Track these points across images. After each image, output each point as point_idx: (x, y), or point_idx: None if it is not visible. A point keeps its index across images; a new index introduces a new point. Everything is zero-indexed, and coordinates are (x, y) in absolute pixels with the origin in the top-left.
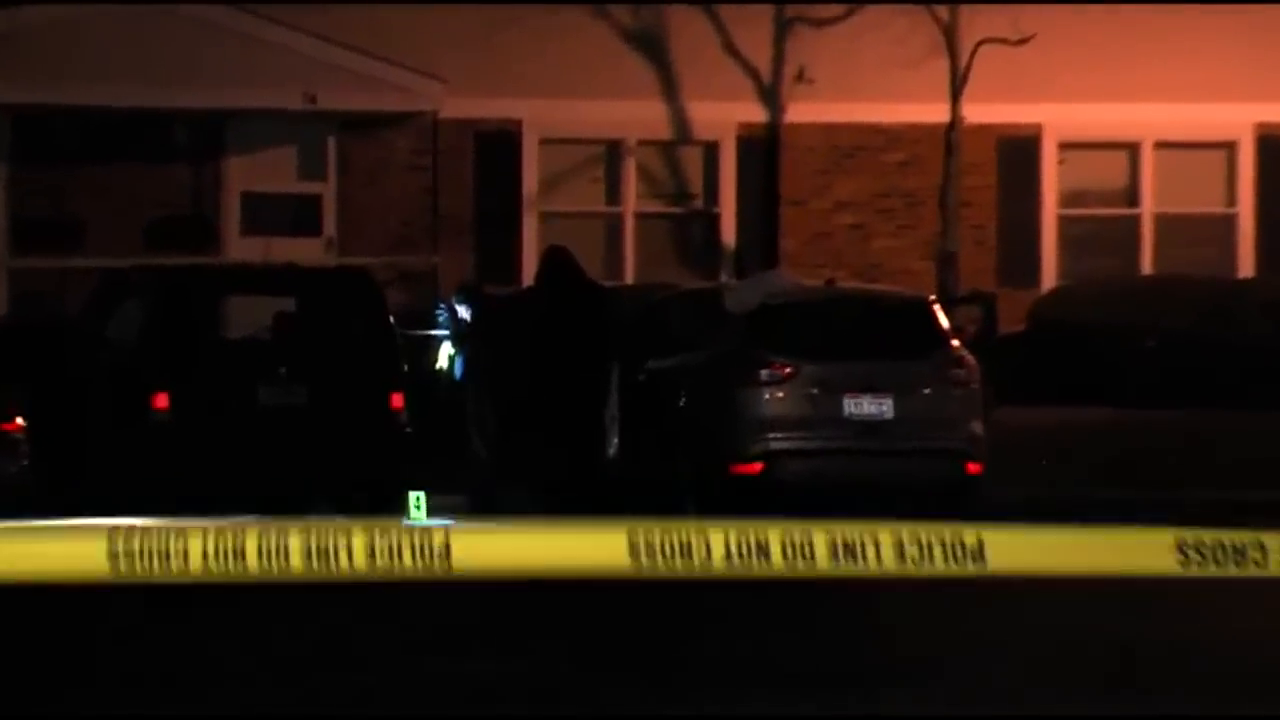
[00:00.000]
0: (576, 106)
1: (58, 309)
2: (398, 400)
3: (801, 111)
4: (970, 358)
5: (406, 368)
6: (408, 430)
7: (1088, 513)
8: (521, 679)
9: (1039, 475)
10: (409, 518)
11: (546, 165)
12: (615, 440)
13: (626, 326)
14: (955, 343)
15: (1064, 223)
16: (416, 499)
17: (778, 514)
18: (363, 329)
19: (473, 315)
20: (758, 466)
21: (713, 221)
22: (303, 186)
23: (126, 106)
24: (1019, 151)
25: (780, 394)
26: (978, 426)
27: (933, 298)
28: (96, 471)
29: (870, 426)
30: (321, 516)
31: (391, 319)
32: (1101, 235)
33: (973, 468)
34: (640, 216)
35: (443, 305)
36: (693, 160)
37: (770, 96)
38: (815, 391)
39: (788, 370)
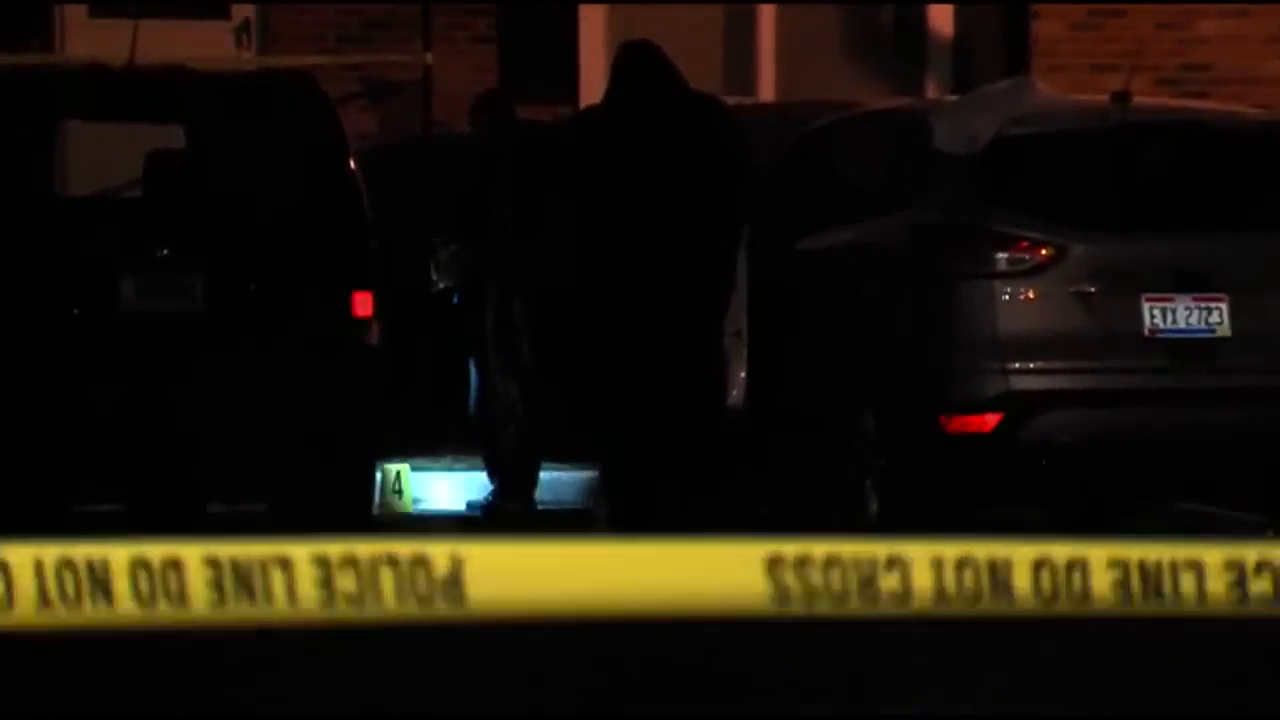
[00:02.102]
0: None
1: None
2: (364, 304)
3: None
4: None
5: (378, 247)
6: (381, 355)
7: None
8: None
9: None
10: (382, 506)
11: None
12: (742, 375)
13: (761, 178)
14: None
15: None
16: (395, 476)
17: (1024, 499)
18: (302, 179)
19: (493, 155)
20: (991, 420)
21: None
22: None
23: None
24: None
25: (1030, 294)
26: None
27: None
28: None
29: (1191, 350)
30: (235, 505)
31: (353, 163)
32: None
33: None
34: None
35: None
36: None
37: None
38: (1093, 290)
39: (1044, 252)
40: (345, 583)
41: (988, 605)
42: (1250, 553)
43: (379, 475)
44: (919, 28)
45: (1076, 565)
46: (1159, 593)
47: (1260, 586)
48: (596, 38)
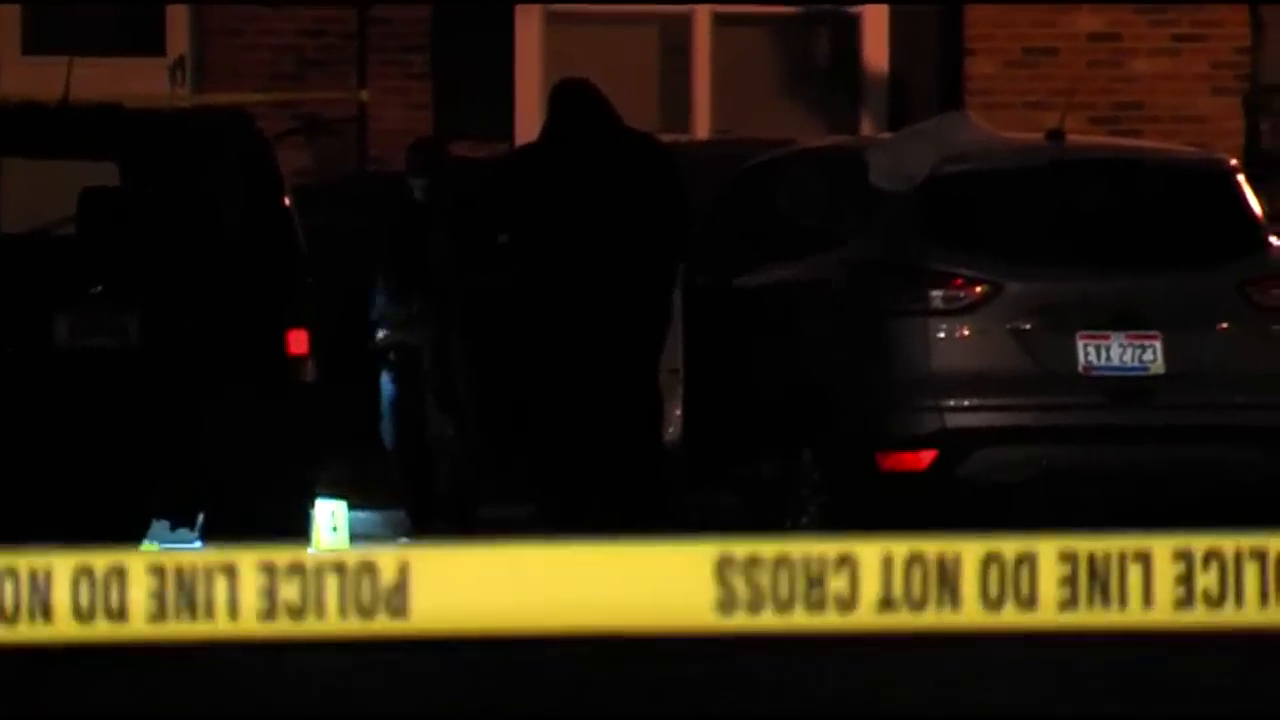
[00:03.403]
0: None
1: None
2: (299, 341)
3: None
4: None
5: (314, 282)
6: (315, 393)
7: None
8: None
9: None
10: (318, 544)
11: None
12: (678, 413)
13: (697, 216)
14: (1276, 241)
15: None
16: (331, 514)
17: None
18: (238, 216)
19: (432, 195)
20: (925, 457)
21: (849, 29)
22: None
23: None
24: None
25: (965, 331)
26: None
27: (1235, 162)
28: None
29: (1125, 388)
30: (167, 541)
31: (288, 199)
32: None
33: None
34: (721, 21)
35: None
36: None
37: None
38: (1028, 327)
39: (978, 289)
40: (289, 592)
41: (933, 611)
42: (1198, 543)
43: (315, 513)
44: (855, 63)
45: (1025, 560)
46: (1105, 589)
47: (1207, 581)
48: (532, 75)
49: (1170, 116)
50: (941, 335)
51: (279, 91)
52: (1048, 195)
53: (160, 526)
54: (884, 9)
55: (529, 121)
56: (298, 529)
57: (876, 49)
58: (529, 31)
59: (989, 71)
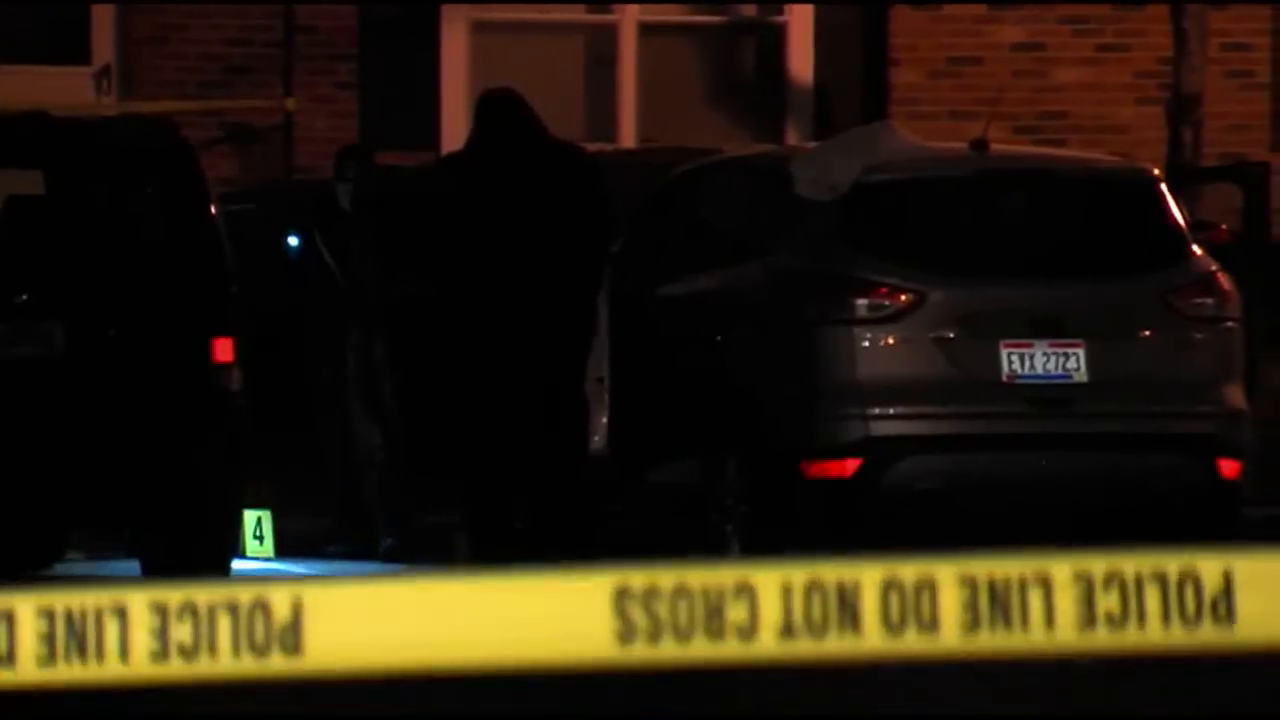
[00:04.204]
0: None
1: None
2: (225, 349)
3: None
4: (1224, 276)
5: (238, 291)
6: (241, 401)
7: None
8: None
9: None
10: (244, 552)
11: None
12: (604, 421)
13: (622, 225)
14: (1198, 250)
15: None
16: (256, 523)
17: (883, 545)
18: (164, 224)
19: (358, 204)
20: (850, 465)
21: (774, 39)
22: None
23: None
24: None
25: (890, 340)
26: (1235, 395)
27: (1158, 171)
28: None
29: (1048, 396)
30: (97, 551)
31: (214, 207)
32: None
33: (1227, 467)
34: (647, 30)
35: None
36: None
37: None
38: (951, 336)
39: (903, 298)
40: (181, 632)
41: (835, 637)
42: (1097, 565)
43: (247, 520)
44: (780, 73)
45: (925, 585)
46: (1007, 612)
47: (1108, 604)
48: (458, 84)
49: (1093, 126)
50: (866, 344)
51: (205, 100)
52: (972, 205)
53: (87, 536)
54: (809, 19)
55: (455, 130)
56: (224, 537)
57: (801, 58)
58: (455, 40)
59: (913, 81)
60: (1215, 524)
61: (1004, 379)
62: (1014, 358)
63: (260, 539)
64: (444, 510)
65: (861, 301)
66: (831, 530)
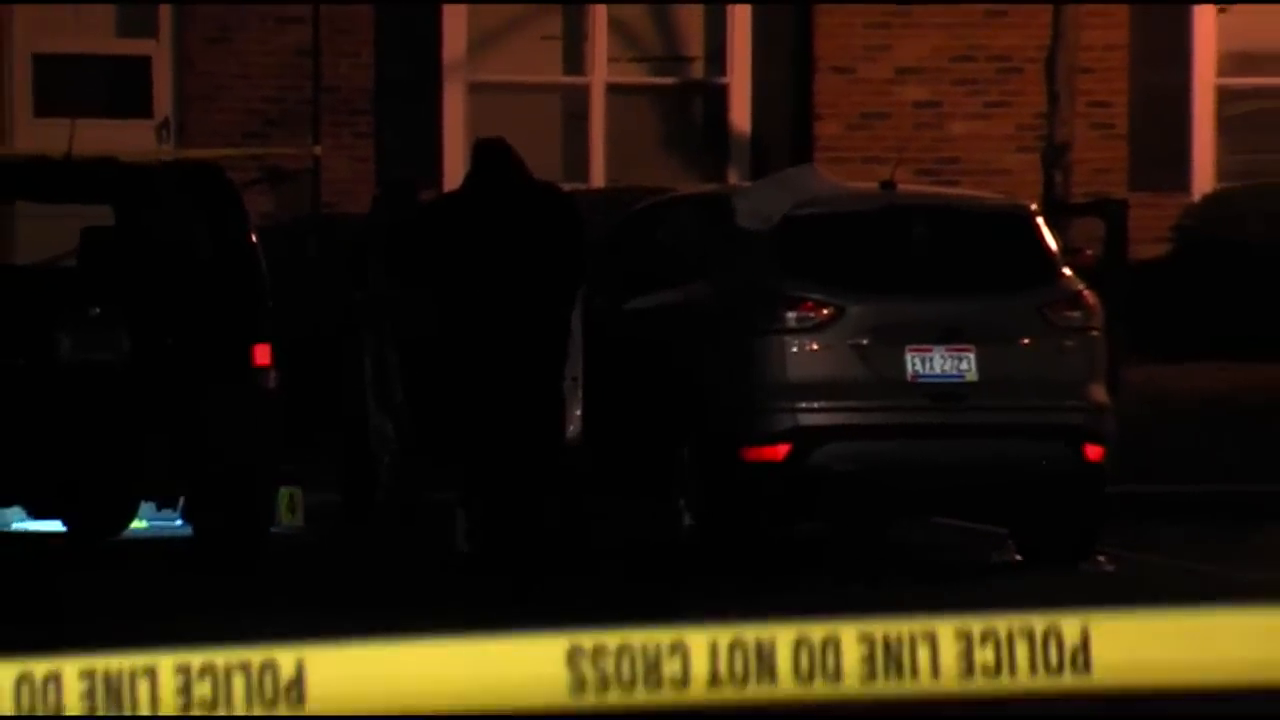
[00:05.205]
0: None
1: None
2: (263, 354)
3: None
4: (1089, 293)
5: (274, 304)
6: (276, 397)
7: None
8: None
9: (1174, 466)
10: (278, 523)
11: (479, 16)
12: (578, 414)
13: (594, 250)
14: (1068, 272)
15: (1226, 98)
16: (289, 497)
17: (809, 516)
18: (211, 250)
19: (375, 232)
20: (781, 450)
21: (718, 97)
22: (124, 45)
23: None
24: None
25: (814, 346)
26: (1099, 392)
27: (1035, 207)
28: None
29: (944, 392)
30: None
31: (254, 236)
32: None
33: (1092, 451)
34: (613, 90)
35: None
36: (690, 9)
37: None
38: (865, 342)
39: (825, 311)
40: (202, 689)
41: (755, 686)
42: (975, 625)
43: (280, 496)
44: (723, 125)
45: (830, 642)
46: (899, 664)
47: (984, 657)
48: (457, 134)
49: (981, 170)
50: (795, 350)
51: (246, 147)
52: (882, 234)
53: (148, 507)
54: (747, 81)
55: (454, 171)
56: (262, 509)
57: (741, 113)
58: (455, 98)
59: (833, 132)
60: (1082, 499)
61: (908, 378)
62: (916, 360)
63: (293, 511)
64: (446, 490)
65: (791, 314)
66: (766, 505)
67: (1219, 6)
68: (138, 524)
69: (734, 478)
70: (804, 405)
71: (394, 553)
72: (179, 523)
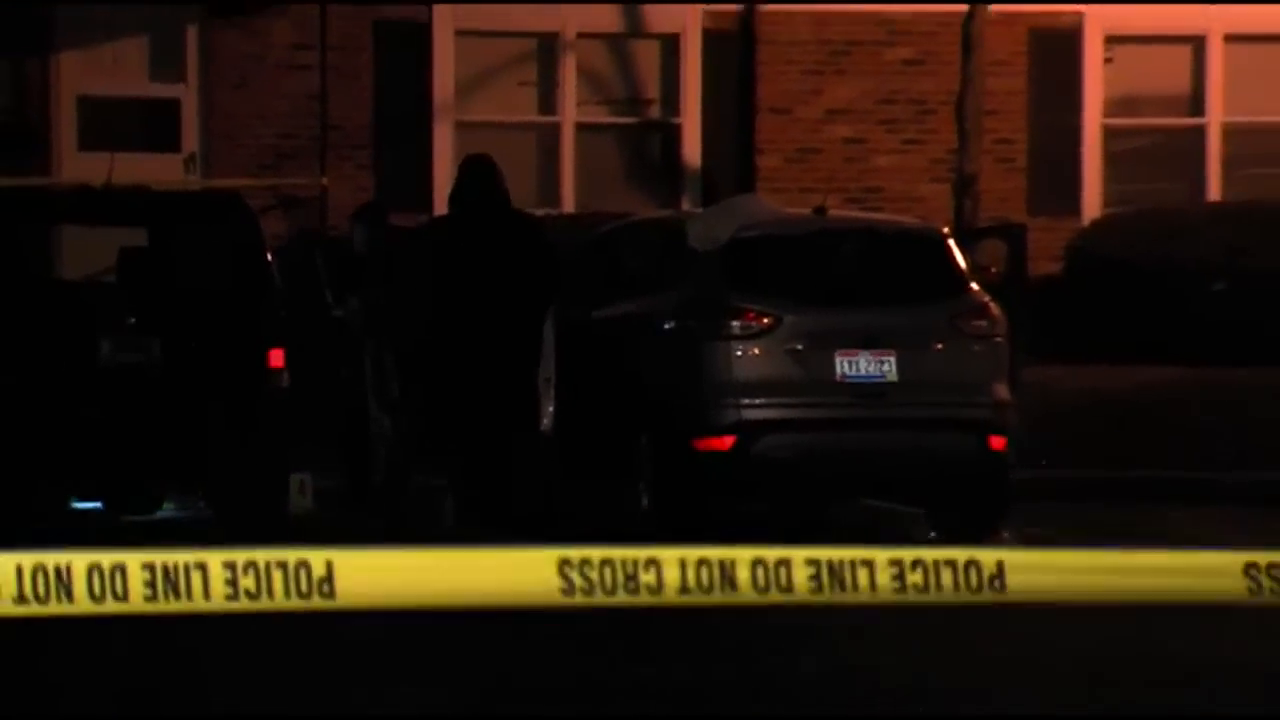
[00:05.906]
0: None
1: None
2: (277, 357)
3: None
4: (994, 305)
5: (286, 315)
6: (289, 395)
7: (1121, 498)
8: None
9: (1067, 454)
10: (291, 506)
11: (464, 63)
12: (550, 410)
13: (564, 265)
14: (975, 286)
15: (1111, 136)
16: (300, 483)
17: (752, 498)
18: (233, 268)
19: (372, 248)
20: (727, 441)
21: (672, 134)
22: (156, 89)
23: None
24: (1056, 47)
25: (756, 350)
26: (1002, 390)
27: (947, 230)
28: None
29: (868, 391)
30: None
31: (269, 255)
32: (1158, 151)
33: (996, 442)
34: (581, 128)
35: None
36: (648, 57)
37: None
38: (800, 347)
39: (765, 320)
40: (247, 582)
41: (718, 595)
42: (906, 554)
43: (292, 482)
44: (676, 159)
45: (783, 563)
46: (842, 582)
47: (914, 579)
48: (445, 167)
49: (901, 197)
50: (739, 353)
51: (262, 178)
52: (815, 253)
53: (177, 493)
54: (697, 121)
55: (444, 198)
56: (276, 494)
57: (692, 149)
58: (443, 136)
59: (773, 165)
60: (987, 483)
61: (837, 378)
62: (844, 363)
63: (304, 495)
64: (436, 475)
65: (736, 323)
66: (714, 488)
67: (1105, 56)
68: (166, 506)
69: (686, 465)
70: (747, 402)
71: (390, 531)
72: (201, 504)
